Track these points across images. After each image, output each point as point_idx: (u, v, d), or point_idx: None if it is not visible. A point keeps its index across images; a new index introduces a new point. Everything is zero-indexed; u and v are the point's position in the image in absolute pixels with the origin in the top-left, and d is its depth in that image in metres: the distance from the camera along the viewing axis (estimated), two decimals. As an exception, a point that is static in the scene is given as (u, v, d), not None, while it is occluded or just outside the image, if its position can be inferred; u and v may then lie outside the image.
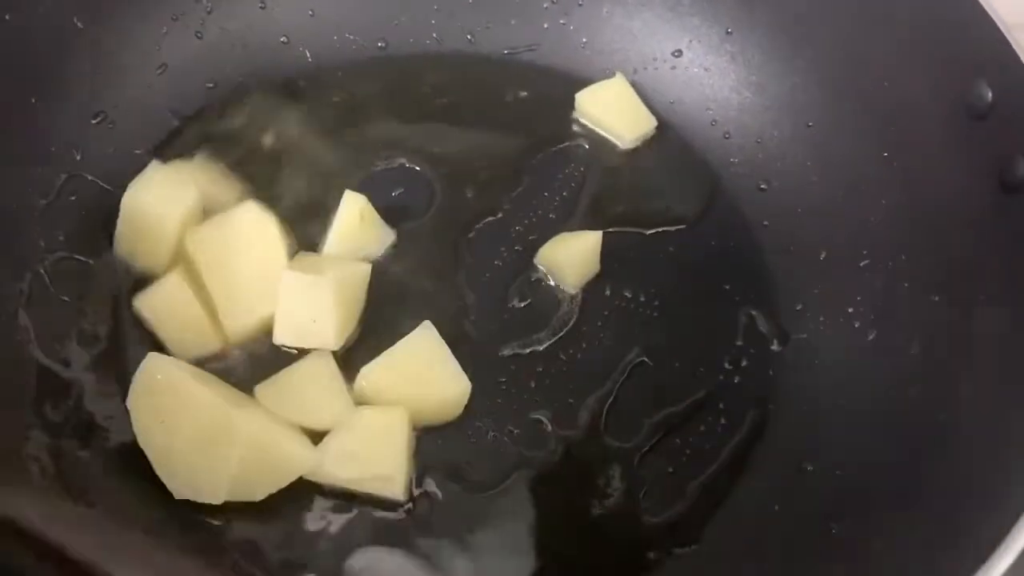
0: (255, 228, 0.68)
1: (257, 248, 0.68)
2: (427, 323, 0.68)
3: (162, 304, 0.66)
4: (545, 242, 0.74)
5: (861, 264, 0.72)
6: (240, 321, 0.67)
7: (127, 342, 0.67)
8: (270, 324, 0.67)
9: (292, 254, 0.70)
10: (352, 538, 0.62)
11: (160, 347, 0.66)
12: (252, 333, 0.68)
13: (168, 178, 0.69)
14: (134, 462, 0.61)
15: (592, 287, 0.73)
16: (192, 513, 0.60)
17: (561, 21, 0.86)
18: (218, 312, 0.66)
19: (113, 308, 0.68)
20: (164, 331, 0.67)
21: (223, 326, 0.67)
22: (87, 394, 0.64)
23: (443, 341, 0.67)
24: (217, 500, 0.59)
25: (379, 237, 0.74)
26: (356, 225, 0.72)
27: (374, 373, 0.65)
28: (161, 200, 0.68)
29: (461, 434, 0.66)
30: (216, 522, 0.61)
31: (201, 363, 0.66)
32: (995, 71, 0.63)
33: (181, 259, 0.68)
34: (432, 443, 0.66)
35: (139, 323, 0.68)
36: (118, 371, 0.66)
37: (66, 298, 0.67)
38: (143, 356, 0.65)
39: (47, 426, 0.61)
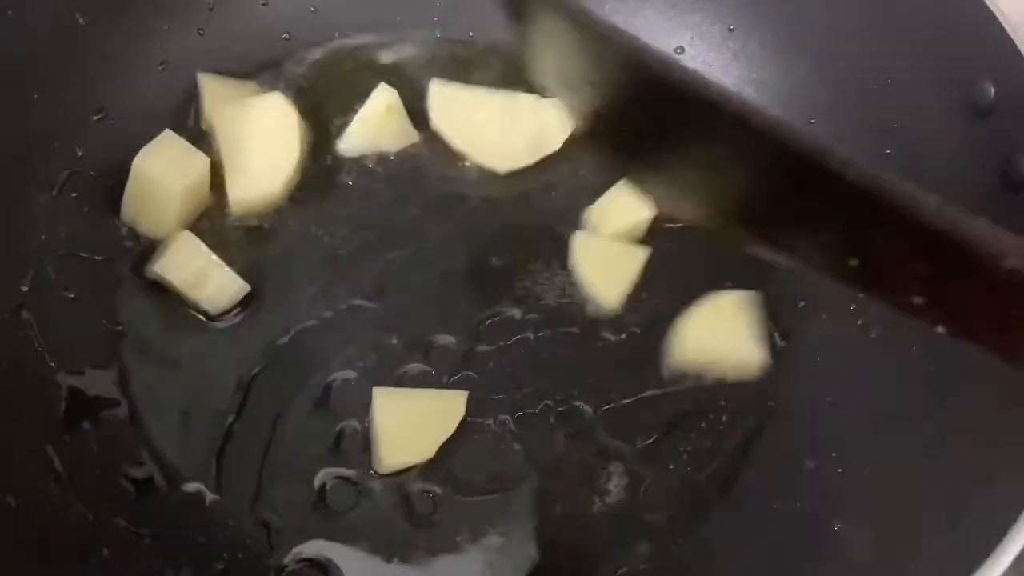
0: (276, 114, 0.74)
1: (274, 131, 0.74)
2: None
3: (179, 262, 0.68)
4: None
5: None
6: (245, 192, 0.72)
7: (131, 338, 0.68)
8: (271, 199, 0.73)
9: (307, 145, 0.76)
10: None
11: (174, 313, 0.68)
12: (254, 206, 0.73)
13: (178, 146, 0.71)
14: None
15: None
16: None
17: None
18: (226, 183, 0.72)
19: (116, 304, 0.68)
20: (187, 288, 0.68)
21: (228, 197, 0.72)
22: (90, 390, 0.64)
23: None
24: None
25: (401, 132, 0.77)
26: (381, 114, 0.76)
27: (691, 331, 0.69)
28: (169, 167, 0.69)
29: (463, 432, 0.66)
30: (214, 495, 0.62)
31: (228, 312, 0.69)
32: (999, 69, 0.63)
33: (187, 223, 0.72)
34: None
35: (145, 317, 0.68)
36: (121, 367, 0.66)
37: (69, 295, 0.67)
38: (147, 352, 0.67)
39: (52, 424, 0.62)
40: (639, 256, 0.74)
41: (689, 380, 0.70)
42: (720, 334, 0.70)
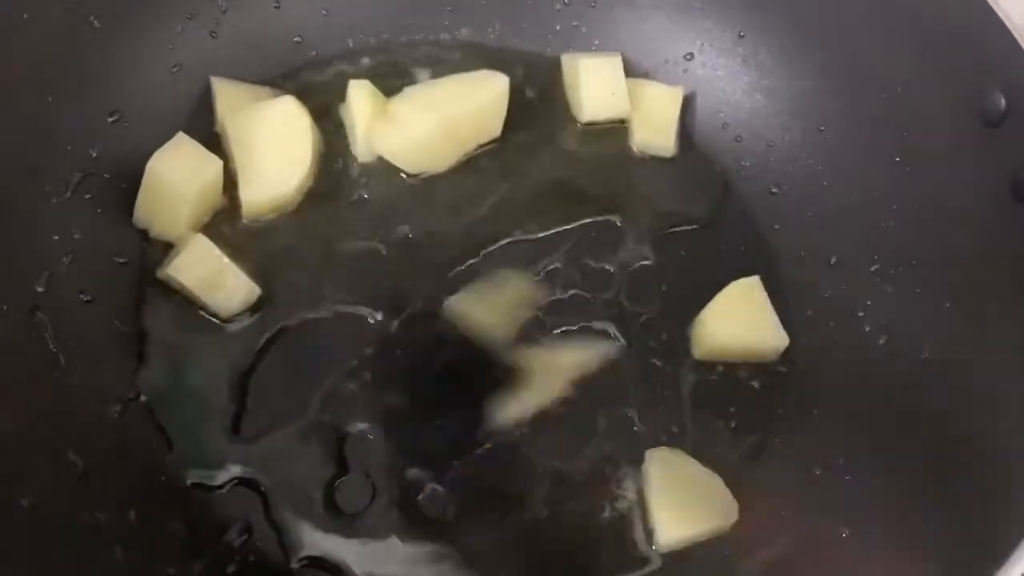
0: (288, 118, 0.74)
1: (286, 134, 0.74)
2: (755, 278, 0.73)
3: (192, 265, 0.68)
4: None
5: (872, 269, 0.72)
6: (257, 195, 0.73)
7: (144, 339, 0.68)
8: (283, 202, 0.74)
9: (320, 149, 0.76)
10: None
11: (187, 315, 0.69)
12: (266, 208, 0.74)
13: (192, 149, 0.71)
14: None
15: (604, 288, 0.74)
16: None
17: (573, 23, 0.86)
18: (239, 186, 0.73)
19: (131, 305, 0.69)
20: (199, 291, 0.68)
21: (241, 199, 0.73)
22: (104, 391, 0.65)
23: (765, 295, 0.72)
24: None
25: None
26: (370, 106, 0.77)
27: (706, 323, 0.71)
28: (182, 170, 0.70)
29: (475, 436, 0.67)
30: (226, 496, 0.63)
31: (239, 314, 0.69)
32: (1009, 79, 0.63)
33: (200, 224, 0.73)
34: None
35: (159, 318, 0.69)
36: (134, 367, 0.66)
37: (83, 296, 0.67)
38: (159, 353, 0.67)
39: (66, 425, 0.62)
40: None
41: (710, 373, 0.71)
42: (738, 318, 0.71)
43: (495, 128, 0.79)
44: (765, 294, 0.72)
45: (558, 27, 0.86)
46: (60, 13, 0.68)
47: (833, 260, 0.75)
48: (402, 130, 0.76)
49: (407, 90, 0.79)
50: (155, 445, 0.64)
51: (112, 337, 0.67)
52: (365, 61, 0.83)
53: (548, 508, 0.65)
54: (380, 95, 0.78)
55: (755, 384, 0.71)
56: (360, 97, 0.77)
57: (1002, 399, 0.59)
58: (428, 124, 0.76)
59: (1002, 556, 0.48)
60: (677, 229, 0.78)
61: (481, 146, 0.80)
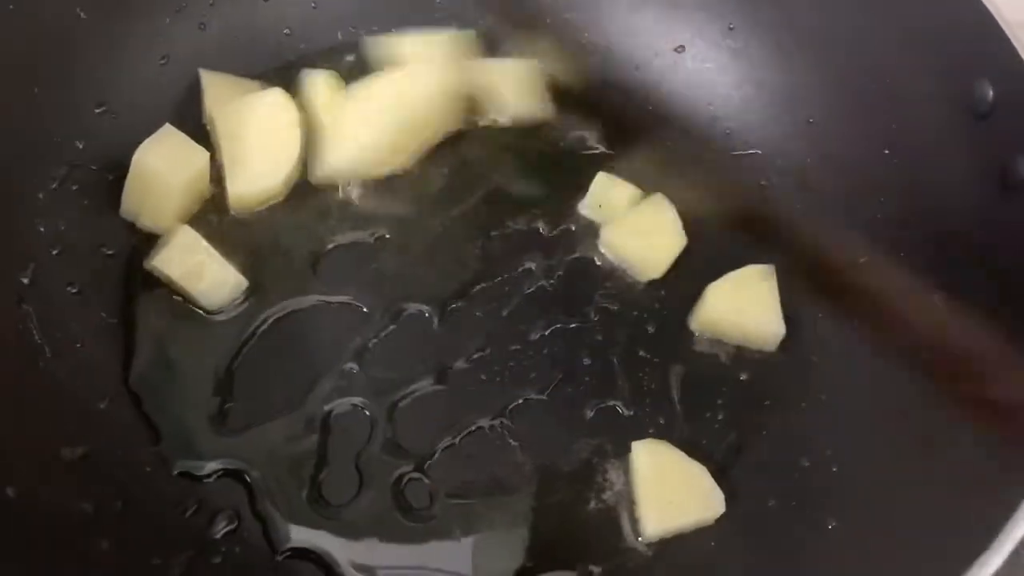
0: (277, 110, 0.74)
1: (275, 127, 0.74)
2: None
3: (178, 256, 0.68)
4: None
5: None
6: (245, 188, 0.73)
7: (130, 331, 0.68)
8: (271, 194, 0.74)
9: (307, 141, 0.76)
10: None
11: (174, 307, 0.69)
12: (253, 201, 0.74)
13: (179, 141, 0.71)
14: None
15: (595, 281, 0.74)
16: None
17: (565, 16, 0.86)
18: (226, 179, 0.73)
19: (118, 296, 0.69)
20: (186, 282, 0.68)
21: (228, 192, 0.72)
22: (89, 382, 0.64)
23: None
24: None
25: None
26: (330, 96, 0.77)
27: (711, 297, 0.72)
28: (169, 161, 0.70)
29: (461, 428, 0.66)
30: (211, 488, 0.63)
31: (226, 306, 0.69)
32: (997, 70, 0.63)
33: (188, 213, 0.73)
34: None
35: (145, 310, 0.69)
36: (120, 359, 0.66)
37: (70, 288, 0.67)
38: (145, 344, 0.67)
39: (51, 415, 0.62)
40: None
41: (698, 364, 0.71)
42: (742, 301, 0.72)
43: (455, 120, 0.79)
44: (775, 283, 0.72)
45: (548, 20, 0.86)
46: (47, 4, 0.68)
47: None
48: (351, 145, 0.76)
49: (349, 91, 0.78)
50: (142, 436, 0.64)
51: (99, 328, 0.67)
52: (354, 55, 0.83)
53: (535, 499, 0.65)
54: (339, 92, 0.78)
55: (743, 376, 0.71)
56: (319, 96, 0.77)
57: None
58: (373, 136, 0.76)
59: (985, 546, 0.48)
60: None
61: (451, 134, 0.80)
